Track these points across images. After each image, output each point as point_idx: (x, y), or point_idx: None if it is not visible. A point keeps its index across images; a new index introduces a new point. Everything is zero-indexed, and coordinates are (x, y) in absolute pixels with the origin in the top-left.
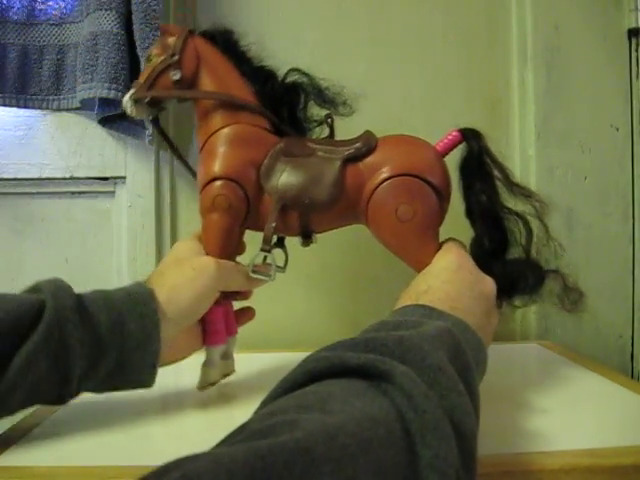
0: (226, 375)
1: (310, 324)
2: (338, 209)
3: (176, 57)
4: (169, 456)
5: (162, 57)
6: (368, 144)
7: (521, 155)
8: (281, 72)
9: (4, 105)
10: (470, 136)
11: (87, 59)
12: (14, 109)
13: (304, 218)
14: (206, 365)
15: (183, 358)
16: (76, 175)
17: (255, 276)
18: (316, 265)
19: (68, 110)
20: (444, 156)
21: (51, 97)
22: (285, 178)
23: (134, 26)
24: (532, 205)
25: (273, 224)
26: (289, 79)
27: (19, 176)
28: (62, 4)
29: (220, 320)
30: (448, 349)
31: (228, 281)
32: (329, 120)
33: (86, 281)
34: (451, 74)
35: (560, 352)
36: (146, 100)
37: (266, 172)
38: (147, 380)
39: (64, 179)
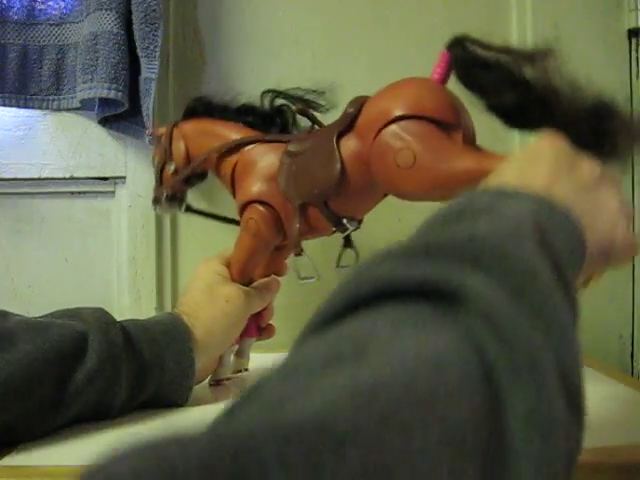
0: (238, 371)
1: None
2: (350, 186)
3: (167, 153)
4: None
5: (159, 157)
6: (355, 106)
7: None
8: (255, 99)
9: (4, 105)
10: (453, 45)
11: (87, 59)
12: (14, 109)
13: (324, 208)
14: (219, 364)
15: (204, 380)
16: (76, 175)
17: (303, 282)
18: (317, 265)
19: (68, 110)
20: (444, 82)
21: (51, 97)
22: (293, 177)
23: (134, 26)
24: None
25: (297, 225)
26: (267, 102)
27: (19, 176)
28: (62, 4)
29: None
30: (537, 241)
31: (254, 307)
32: (304, 112)
33: (86, 281)
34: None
35: None
36: (163, 199)
37: (280, 179)
38: (177, 406)
39: (64, 179)
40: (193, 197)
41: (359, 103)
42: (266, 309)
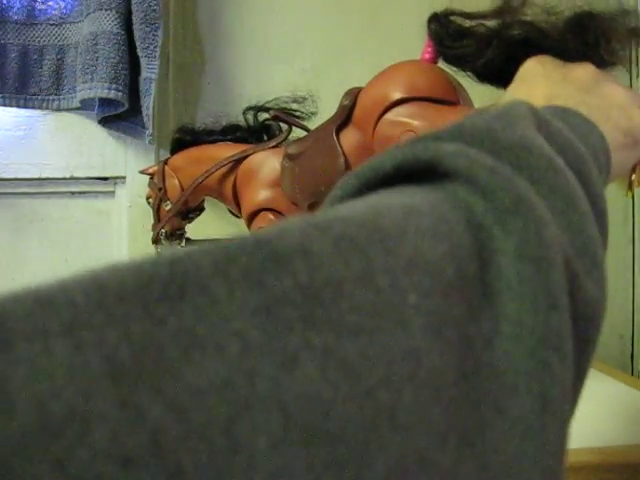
0: None
1: None
2: None
3: (162, 191)
4: None
5: (154, 196)
6: (350, 97)
7: None
8: (238, 118)
9: (4, 105)
10: (430, 21)
11: (87, 59)
12: (14, 109)
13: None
14: None
15: None
16: (76, 175)
17: None
18: None
19: (68, 110)
20: (435, 62)
21: (51, 97)
22: (297, 178)
23: (134, 26)
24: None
25: None
26: (251, 119)
27: (19, 176)
28: (62, 4)
29: None
30: (536, 125)
31: None
32: (277, 118)
33: None
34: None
35: None
36: (162, 236)
37: (283, 183)
38: None
39: (64, 179)
40: (195, 224)
41: (353, 94)
42: None
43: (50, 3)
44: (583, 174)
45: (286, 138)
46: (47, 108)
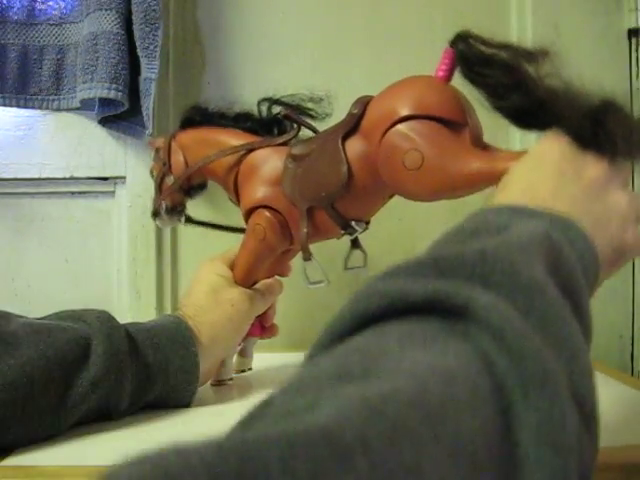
0: (242, 371)
1: (313, 325)
2: (357, 188)
3: (166, 166)
4: None
5: (158, 170)
6: (359, 107)
7: None
8: (252, 105)
9: (4, 105)
10: (457, 41)
11: (87, 59)
12: (14, 109)
13: (332, 210)
14: (221, 365)
15: (207, 382)
16: (76, 175)
17: (312, 286)
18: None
19: (68, 110)
20: (449, 79)
21: (51, 97)
22: (299, 180)
23: (134, 26)
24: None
25: (304, 230)
26: (264, 111)
27: (19, 176)
28: (62, 4)
29: None
30: (547, 260)
31: (258, 310)
32: (288, 117)
33: (86, 281)
34: None
35: None
36: (163, 209)
37: (284, 183)
38: (180, 406)
39: (64, 179)
40: (194, 207)
41: (363, 103)
42: (270, 308)
43: (50, 3)
44: (580, 307)
45: (294, 137)
46: (47, 108)
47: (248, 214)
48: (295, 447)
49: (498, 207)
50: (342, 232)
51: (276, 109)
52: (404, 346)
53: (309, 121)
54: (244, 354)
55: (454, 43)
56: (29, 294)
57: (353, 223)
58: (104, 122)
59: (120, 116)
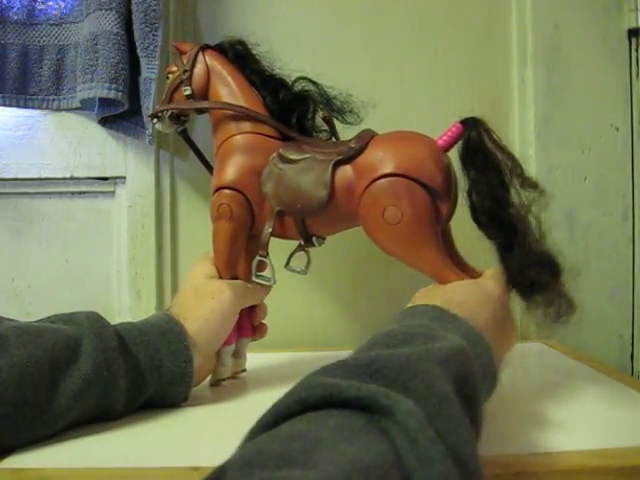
0: (237, 373)
1: (310, 324)
2: (332, 213)
3: (187, 74)
4: (174, 457)
5: (176, 74)
6: (360, 143)
7: (521, 155)
8: (290, 79)
9: (4, 105)
10: (470, 125)
11: (87, 59)
12: (14, 109)
13: (300, 222)
14: (218, 363)
15: (203, 380)
16: (76, 175)
17: (257, 280)
18: (316, 265)
19: (68, 110)
20: (447, 150)
21: (51, 97)
22: (279, 184)
23: (134, 26)
24: (534, 198)
25: (269, 229)
26: (297, 88)
27: (19, 176)
28: (62, 4)
29: None
30: (458, 373)
31: (243, 301)
32: (327, 120)
33: (86, 281)
34: (451, 74)
35: (565, 352)
36: (167, 114)
37: (264, 178)
38: (177, 404)
39: (64, 179)
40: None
41: (365, 140)
42: (258, 307)
43: (50, 3)
44: (475, 411)
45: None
46: (47, 108)
47: (216, 190)
48: None
49: (429, 307)
50: (301, 242)
51: (309, 88)
52: (335, 438)
53: (336, 118)
54: (237, 356)
55: (467, 125)
56: (29, 294)
57: (314, 238)
58: (104, 122)
59: (120, 116)
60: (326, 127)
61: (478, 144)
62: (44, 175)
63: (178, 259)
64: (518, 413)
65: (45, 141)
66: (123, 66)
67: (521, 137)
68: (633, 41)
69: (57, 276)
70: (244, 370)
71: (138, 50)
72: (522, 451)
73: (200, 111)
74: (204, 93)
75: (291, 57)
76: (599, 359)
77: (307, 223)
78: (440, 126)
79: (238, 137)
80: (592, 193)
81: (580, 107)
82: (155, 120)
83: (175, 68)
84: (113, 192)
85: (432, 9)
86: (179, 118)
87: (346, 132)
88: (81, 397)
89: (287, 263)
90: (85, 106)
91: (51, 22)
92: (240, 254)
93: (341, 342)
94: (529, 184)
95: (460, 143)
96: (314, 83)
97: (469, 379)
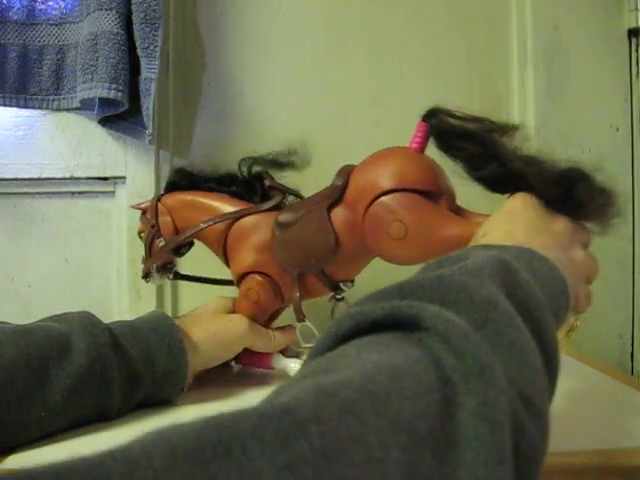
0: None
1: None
2: (345, 254)
3: (155, 228)
4: None
5: (147, 232)
6: (342, 180)
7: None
8: (232, 169)
9: (4, 105)
10: (430, 117)
11: (87, 59)
12: (14, 109)
13: (322, 276)
14: (288, 373)
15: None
16: (76, 175)
17: (307, 345)
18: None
19: (68, 110)
20: (423, 150)
21: (51, 97)
22: (288, 249)
23: (134, 26)
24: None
25: (297, 294)
26: (245, 169)
27: (19, 176)
28: (62, 4)
29: (252, 357)
30: (502, 279)
31: (254, 341)
32: (273, 187)
33: (86, 281)
34: (451, 74)
35: (566, 351)
36: (154, 269)
37: (274, 249)
38: (174, 399)
39: (64, 179)
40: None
41: (345, 174)
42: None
43: (50, 3)
44: (540, 322)
45: (280, 203)
46: (47, 108)
47: (240, 279)
48: (263, 418)
49: (472, 247)
50: (332, 293)
51: (256, 169)
52: (360, 351)
53: (291, 170)
54: (285, 352)
55: (427, 118)
56: (29, 294)
57: (341, 284)
58: (104, 122)
59: (120, 116)
60: (293, 189)
61: (443, 129)
62: (44, 175)
63: (178, 259)
64: None
65: (45, 141)
66: (123, 66)
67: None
68: (633, 41)
69: (57, 276)
70: (307, 343)
71: (138, 50)
72: None
73: (189, 246)
74: (176, 234)
75: (291, 58)
76: (599, 359)
77: (327, 273)
78: None
79: (239, 222)
80: None
81: (580, 107)
82: (148, 279)
83: (144, 227)
84: (113, 192)
85: (432, 9)
86: (165, 267)
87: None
88: (75, 392)
89: (332, 316)
90: (85, 106)
91: (51, 22)
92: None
93: None
94: (504, 130)
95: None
96: (254, 158)
97: (519, 288)
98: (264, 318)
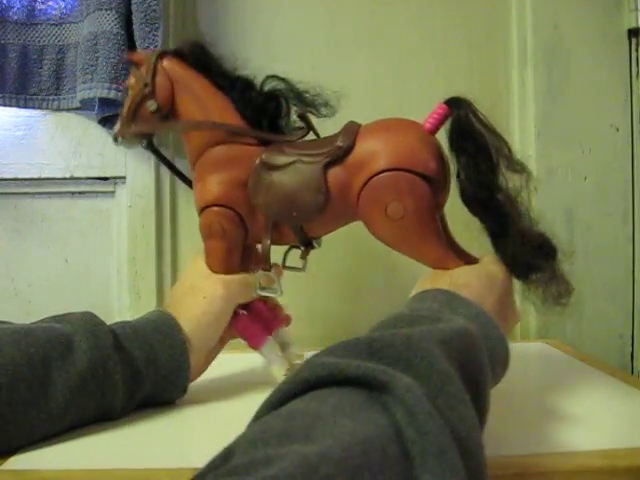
0: (293, 365)
1: (309, 324)
2: (329, 215)
3: (149, 88)
4: (174, 458)
5: (137, 89)
6: (347, 141)
7: (521, 155)
8: (258, 80)
9: (4, 105)
10: (456, 105)
11: (87, 59)
12: (14, 109)
13: (297, 229)
14: (268, 366)
15: (199, 376)
16: (76, 175)
17: (263, 293)
18: (316, 264)
19: (68, 110)
20: (434, 133)
21: (51, 97)
22: (270, 194)
23: (134, 26)
24: (522, 182)
25: (268, 242)
26: (267, 87)
27: (19, 176)
28: (62, 4)
29: (248, 326)
30: (461, 353)
31: (238, 297)
32: (302, 117)
33: (86, 281)
34: (451, 74)
35: (567, 351)
36: (132, 136)
37: (252, 190)
38: (177, 399)
39: (64, 179)
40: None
41: (351, 135)
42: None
43: (50, 3)
44: (482, 390)
45: (300, 139)
46: (47, 108)
47: (203, 209)
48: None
49: (440, 291)
50: (301, 248)
51: (279, 86)
52: (336, 414)
53: (313, 113)
54: (284, 348)
55: (453, 105)
56: (29, 294)
57: (313, 241)
58: (104, 122)
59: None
60: (300, 124)
61: (467, 125)
62: (44, 175)
63: (178, 259)
64: (519, 413)
65: (45, 141)
66: (123, 66)
67: (521, 137)
68: (633, 41)
69: (57, 276)
70: (300, 356)
71: (138, 50)
72: (526, 451)
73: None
74: (171, 106)
75: (291, 58)
76: (599, 359)
77: (305, 228)
78: None
79: (215, 149)
80: (592, 193)
81: (580, 107)
82: (120, 139)
83: (134, 81)
84: (113, 192)
85: (432, 9)
86: (145, 135)
87: (323, 124)
88: (77, 394)
89: (284, 263)
90: (85, 106)
91: (51, 22)
92: (236, 268)
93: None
94: (515, 167)
95: (448, 124)
96: (283, 80)
97: (473, 360)
98: (239, 253)
